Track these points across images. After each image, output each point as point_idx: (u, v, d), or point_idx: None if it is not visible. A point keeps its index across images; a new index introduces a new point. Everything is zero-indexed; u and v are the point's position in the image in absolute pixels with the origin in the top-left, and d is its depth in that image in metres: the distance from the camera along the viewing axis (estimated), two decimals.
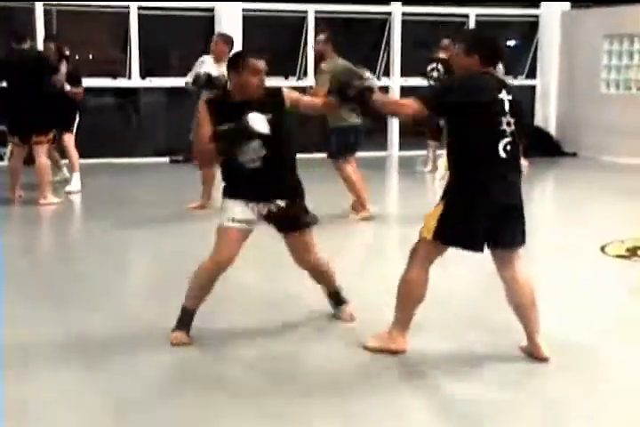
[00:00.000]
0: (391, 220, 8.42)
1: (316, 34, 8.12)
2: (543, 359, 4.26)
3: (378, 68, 13.26)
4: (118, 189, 10.00)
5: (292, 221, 4.59)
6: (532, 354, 4.30)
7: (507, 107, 4.16)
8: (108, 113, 13.09)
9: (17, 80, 8.60)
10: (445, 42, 11.15)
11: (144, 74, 12.21)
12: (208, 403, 3.79)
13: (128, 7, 11.93)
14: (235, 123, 4.27)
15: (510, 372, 4.20)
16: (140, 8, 11.97)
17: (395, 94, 13.16)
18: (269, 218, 4.55)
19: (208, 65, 8.01)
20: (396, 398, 3.90)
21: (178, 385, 4.03)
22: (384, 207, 9.04)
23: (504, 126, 4.14)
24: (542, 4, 13.68)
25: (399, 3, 13.05)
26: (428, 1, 13.27)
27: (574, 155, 13.22)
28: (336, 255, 6.27)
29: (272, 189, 4.52)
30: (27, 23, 11.58)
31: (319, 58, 7.96)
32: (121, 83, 12.23)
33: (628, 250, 6.83)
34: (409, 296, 4.32)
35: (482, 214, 4.14)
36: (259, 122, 4.25)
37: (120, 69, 12.20)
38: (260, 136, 4.31)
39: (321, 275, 4.83)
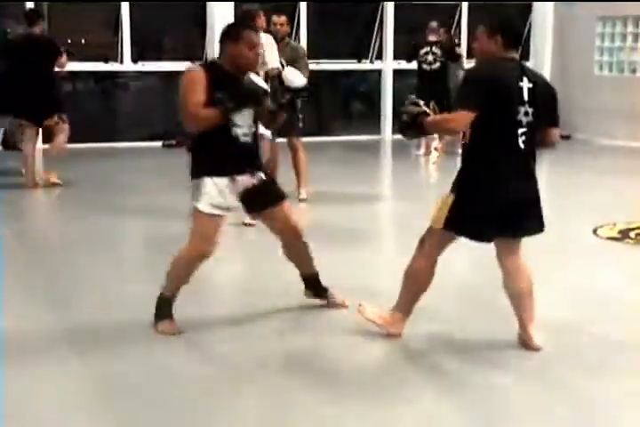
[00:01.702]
0: (387, 202, 8.44)
1: (276, 16, 8.00)
2: (535, 349, 4.23)
3: (371, 51, 13.22)
4: (111, 173, 9.95)
5: (273, 194, 4.55)
6: (525, 343, 4.26)
7: (526, 96, 4.05)
8: (98, 97, 13.07)
9: (28, 63, 8.62)
10: (434, 24, 11.10)
11: (136, 58, 12.16)
12: (204, 396, 3.81)
13: None
14: (239, 87, 4.27)
15: (509, 357, 4.20)
16: None
17: (388, 78, 13.15)
18: (250, 195, 4.44)
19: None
20: (402, 384, 3.90)
21: (176, 379, 3.99)
22: (378, 190, 9.05)
23: (521, 116, 4.04)
24: None
25: None
26: None
27: (568, 137, 13.19)
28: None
29: (256, 160, 4.53)
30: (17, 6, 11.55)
31: (280, 39, 7.86)
32: (113, 67, 12.18)
33: (620, 232, 6.84)
34: (414, 284, 4.31)
35: (498, 208, 4.07)
36: (261, 81, 4.33)
37: (112, 53, 12.15)
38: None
39: (303, 248, 4.71)
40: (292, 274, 4.81)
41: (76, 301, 5.15)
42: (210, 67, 4.44)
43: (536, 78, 4.15)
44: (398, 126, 4.33)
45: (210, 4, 12.14)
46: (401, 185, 9.78)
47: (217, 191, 4.35)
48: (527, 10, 13.77)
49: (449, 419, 3.61)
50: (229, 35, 4.42)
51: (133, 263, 6.16)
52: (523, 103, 4.05)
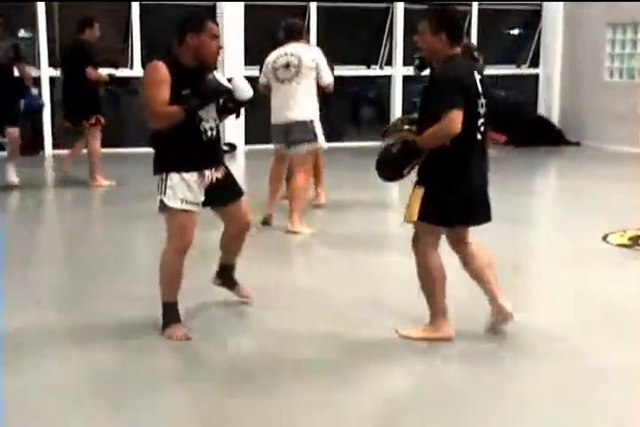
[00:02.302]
0: (396, 208, 8.43)
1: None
2: (509, 316, 4.31)
3: (380, 57, 13.22)
4: (123, 179, 9.93)
5: (234, 189, 4.59)
6: (497, 319, 4.35)
7: (480, 88, 4.22)
8: (108, 103, 13.07)
9: (67, 68, 9.17)
10: None
11: (146, 63, 12.15)
12: (205, 397, 3.81)
13: None
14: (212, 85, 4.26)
15: (509, 357, 4.22)
16: None
17: (398, 84, 13.14)
18: (213, 189, 4.43)
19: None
20: (397, 383, 3.93)
21: (177, 381, 4.02)
22: (388, 196, 9.04)
23: (479, 108, 4.20)
24: None
25: None
26: None
27: (578, 144, 13.18)
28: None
29: (220, 154, 4.56)
30: (29, 11, 11.63)
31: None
32: (123, 73, 12.18)
33: (630, 239, 6.81)
34: (431, 282, 4.35)
35: (462, 196, 4.23)
36: (224, 79, 4.30)
37: (121, 59, 12.18)
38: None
39: (242, 241, 4.75)
40: (292, 275, 4.81)
41: (79, 300, 5.17)
42: (173, 62, 4.38)
43: (480, 70, 4.32)
44: (388, 169, 4.43)
45: (219, 8, 12.17)
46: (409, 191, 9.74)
47: (185, 186, 4.34)
48: (537, 16, 13.77)
49: (450, 419, 3.60)
50: (191, 26, 4.39)
51: (142, 265, 6.17)
52: (479, 95, 4.21)
